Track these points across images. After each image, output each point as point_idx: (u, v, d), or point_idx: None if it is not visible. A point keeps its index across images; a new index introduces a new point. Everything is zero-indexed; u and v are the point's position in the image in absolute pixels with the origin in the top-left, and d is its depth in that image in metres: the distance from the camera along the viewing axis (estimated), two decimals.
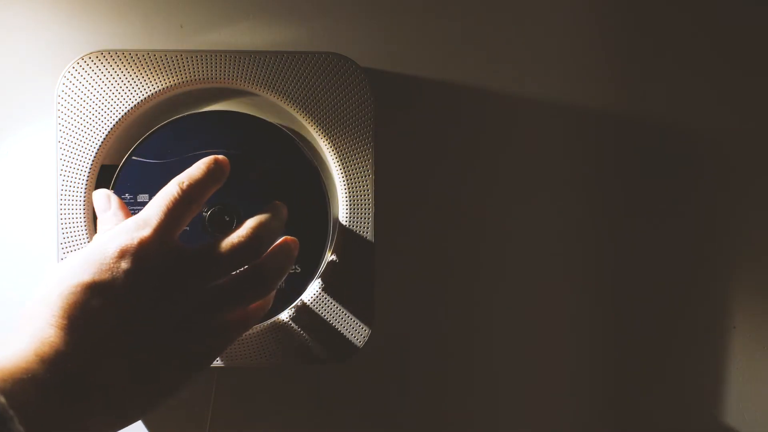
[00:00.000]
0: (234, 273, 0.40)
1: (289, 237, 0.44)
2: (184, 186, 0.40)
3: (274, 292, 0.44)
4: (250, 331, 0.47)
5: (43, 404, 0.33)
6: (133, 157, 0.46)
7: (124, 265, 0.37)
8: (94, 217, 0.46)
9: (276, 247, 0.42)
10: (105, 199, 0.44)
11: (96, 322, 0.36)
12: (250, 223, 0.41)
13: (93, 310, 0.36)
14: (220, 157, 0.43)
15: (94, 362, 0.36)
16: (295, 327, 0.48)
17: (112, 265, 0.37)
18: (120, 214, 0.44)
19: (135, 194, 0.46)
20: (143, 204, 0.45)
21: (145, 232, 0.38)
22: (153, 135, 0.46)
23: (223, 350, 0.42)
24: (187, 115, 0.46)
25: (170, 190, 0.40)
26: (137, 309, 0.37)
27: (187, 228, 0.44)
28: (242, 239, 0.40)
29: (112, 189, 0.46)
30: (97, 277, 0.37)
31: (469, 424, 0.55)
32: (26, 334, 0.35)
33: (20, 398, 0.32)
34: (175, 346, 0.39)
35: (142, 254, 0.38)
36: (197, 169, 0.42)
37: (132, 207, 0.46)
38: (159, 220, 0.39)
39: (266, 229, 0.42)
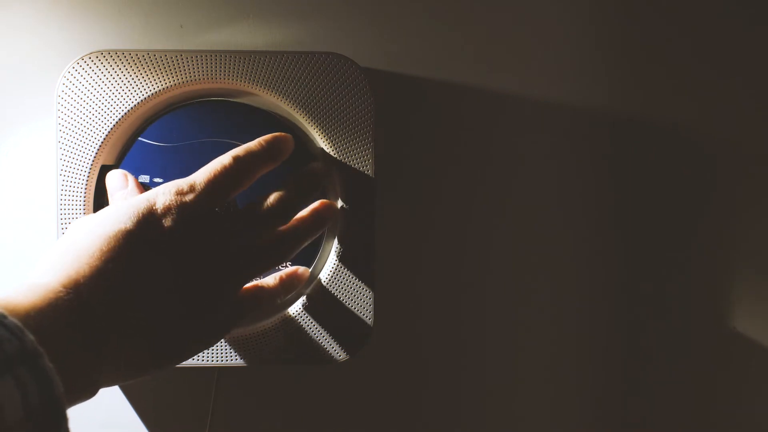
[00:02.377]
0: (257, 236, 0.42)
1: (323, 201, 0.45)
2: (238, 158, 0.41)
3: (294, 283, 0.46)
4: (251, 331, 0.47)
5: (67, 339, 0.33)
6: (140, 139, 0.46)
7: (166, 222, 0.38)
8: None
9: (300, 216, 0.44)
10: (122, 178, 0.45)
11: (130, 269, 0.37)
12: (276, 192, 0.43)
13: (130, 257, 0.37)
14: (283, 134, 0.44)
15: (122, 307, 0.36)
16: (296, 327, 0.48)
17: (155, 220, 0.38)
18: (137, 192, 0.44)
19: (136, 175, 0.46)
20: (143, 185, 0.46)
21: (188, 197, 0.39)
22: (162, 118, 0.46)
23: (235, 325, 0.42)
24: (195, 102, 0.47)
25: (222, 160, 0.41)
26: (170, 264, 0.38)
27: None
28: (266, 207, 0.42)
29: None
30: (138, 228, 0.38)
31: (475, 424, 0.55)
32: (57, 270, 0.36)
33: (47, 333, 0.32)
34: (198, 308, 0.39)
35: (183, 216, 0.39)
36: (255, 142, 0.43)
37: None
38: (202, 187, 0.40)
39: (290, 197, 0.43)
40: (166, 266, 0.38)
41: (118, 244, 0.37)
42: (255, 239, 0.42)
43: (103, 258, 0.36)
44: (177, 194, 0.39)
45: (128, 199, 0.41)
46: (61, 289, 0.34)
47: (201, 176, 0.40)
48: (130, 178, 0.45)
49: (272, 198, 0.43)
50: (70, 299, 0.34)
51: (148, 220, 0.38)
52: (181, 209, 0.39)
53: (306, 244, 0.44)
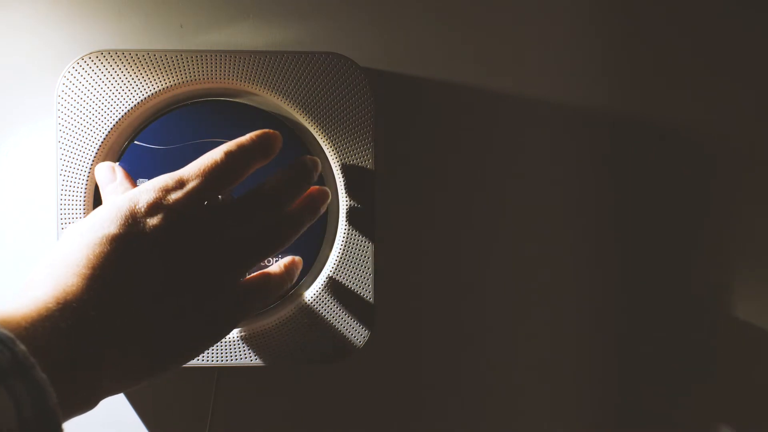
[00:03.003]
0: (252, 225, 0.40)
1: (315, 187, 0.44)
2: (230, 153, 0.40)
3: (295, 271, 0.45)
4: (251, 331, 0.47)
5: (61, 351, 0.32)
6: (135, 142, 0.46)
7: (152, 221, 0.37)
8: None
9: (299, 200, 0.43)
10: (109, 171, 0.44)
11: (119, 274, 0.36)
12: (269, 181, 0.42)
13: (117, 262, 0.36)
14: (272, 131, 0.42)
15: (114, 313, 0.35)
16: (296, 326, 0.48)
17: (140, 220, 0.37)
18: (126, 184, 0.43)
19: (135, 178, 0.46)
20: None
21: (176, 194, 0.38)
22: (156, 121, 0.46)
23: (242, 317, 0.41)
24: (191, 103, 0.47)
25: (213, 155, 0.40)
26: (160, 265, 0.37)
27: None
28: (260, 196, 0.41)
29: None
30: (123, 230, 0.37)
31: (475, 424, 0.55)
32: (47, 282, 0.35)
33: (39, 344, 0.31)
34: (196, 306, 0.38)
35: (171, 213, 0.37)
36: (246, 137, 0.41)
37: None
38: (194, 184, 0.38)
39: (285, 183, 0.42)
40: (156, 266, 0.37)
41: (104, 251, 0.36)
42: (250, 228, 0.40)
43: (90, 266, 0.35)
44: (162, 191, 0.38)
45: (114, 197, 0.40)
46: (52, 301, 0.33)
47: (191, 172, 0.39)
48: (118, 170, 0.44)
49: (265, 186, 0.42)
50: (63, 311, 0.33)
51: (132, 221, 0.37)
52: (167, 207, 0.37)
53: (303, 229, 0.43)
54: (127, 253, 0.36)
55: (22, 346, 0.28)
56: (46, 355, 0.31)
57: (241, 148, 0.40)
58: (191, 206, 0.38)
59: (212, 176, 0.39)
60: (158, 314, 0.37)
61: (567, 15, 0.52)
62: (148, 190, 0.38)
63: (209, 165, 0.39)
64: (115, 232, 0.36)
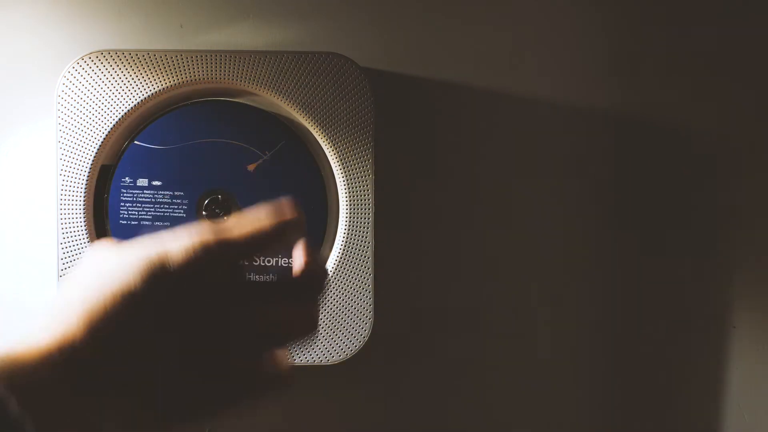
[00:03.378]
0: (284, 306, 0.37)
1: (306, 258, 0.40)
2: (279, 227, 0.36)
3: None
4: None
5: (65, 401, 0.32)
6: (135, 142, 0.47)
7: (179, 278, 0.34)
8: (94, 218, 0.46)
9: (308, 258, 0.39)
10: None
11: (133, 333, 0.34)
12: (302, 261, 0.38)
13: (133, 321, 0.34)
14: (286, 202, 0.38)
15: (122, 371, 0.34)
16: None
17: (166, 278, 0.34)
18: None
19: (135, 178, 0.46)
20: (142, 188, 0.46)
21: (213, 251, 0.35)
22: (156, 121, 0.47)
23: (264, 391, 0.37)
24: (191, 103, 0.47)
25: (262, 221, 0.36)
26: (178, 330, 0.35)
27: (183, 214, 0.46)
28: (295, 276, 0.37)
29: (113, 172, 0.47)
30: (145, 288, 0.34)
31: (474, 423, 0.55)
32: (57, 326, 0.34)
33: (40, 391, 0.31)
34: (204, 375, 0.36)
35: (201, 271, 0.35)
36: (289, 214, 0.37)
37: (131, 191, 0.47)
38: (235, 245, 0.35)
39: (317, 272, 0.37)
40: (175, 331, 0.35)
41: (123, 307, 0.34)
42: (282, 310, 0.36)
43: (106, 319, 0.34)
44: (200, 248, 0.35)
45: (142, 244, 0.36)
46: (56, 351, 0.32)
47: (234, 231, 0.36)
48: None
49: (299, 268, 0.38)
50: (68, 361, 0.32)
51: (159, 277, 0.34)
52: (197, 264, 0.35)
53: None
54: (146, 312, 0.34)
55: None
56: (48, 403, 0.30)
57: (287, 225, 0.37)
58: (225, 267, 0.35)
59: (255, 243, 0.36)
60: (168, 375, 0.35)
61: (567, 15, 0.52)
62: (184, 244, 0.35)
63: (256, 230, 0.36)
64: (138, 289, 0.34)
